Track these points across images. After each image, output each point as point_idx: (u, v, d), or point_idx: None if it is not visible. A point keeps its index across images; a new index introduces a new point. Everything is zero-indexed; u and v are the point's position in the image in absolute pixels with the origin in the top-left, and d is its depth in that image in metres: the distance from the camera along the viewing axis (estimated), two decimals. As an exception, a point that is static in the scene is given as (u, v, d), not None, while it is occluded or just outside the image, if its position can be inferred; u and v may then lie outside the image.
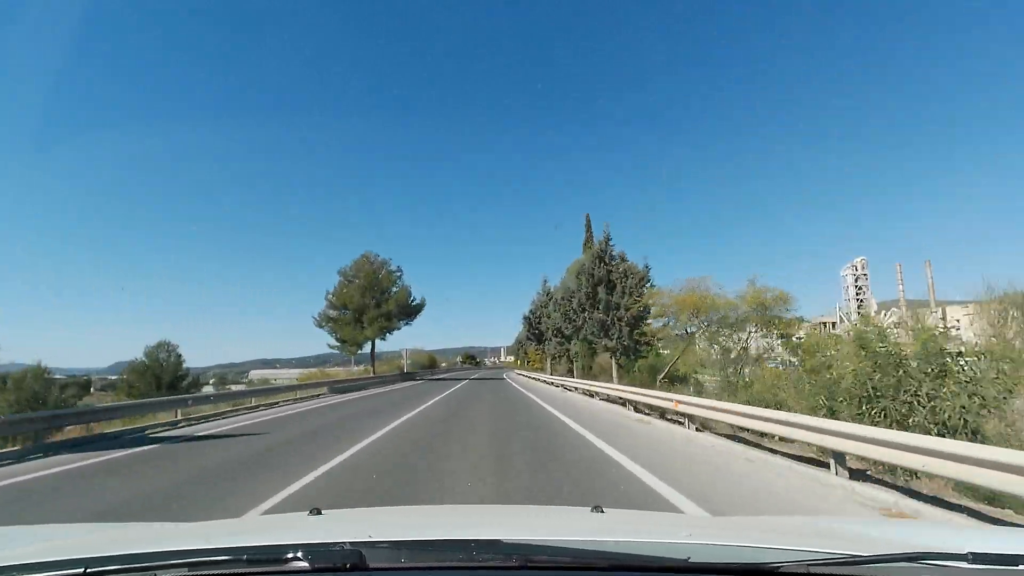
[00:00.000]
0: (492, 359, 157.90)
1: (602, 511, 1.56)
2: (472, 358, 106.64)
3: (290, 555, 1.01)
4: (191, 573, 1.02)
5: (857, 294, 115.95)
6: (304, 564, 0.99)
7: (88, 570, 1.00)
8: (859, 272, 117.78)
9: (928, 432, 5.68)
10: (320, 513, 1.54)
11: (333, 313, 34.69)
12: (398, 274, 35.07)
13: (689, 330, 18.71)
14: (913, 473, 4.90)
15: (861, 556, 1.01)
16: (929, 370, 6.33)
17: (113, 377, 38.30)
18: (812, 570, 0.98)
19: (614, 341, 18.35)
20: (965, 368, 6.16)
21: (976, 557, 1.01)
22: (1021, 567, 1.02)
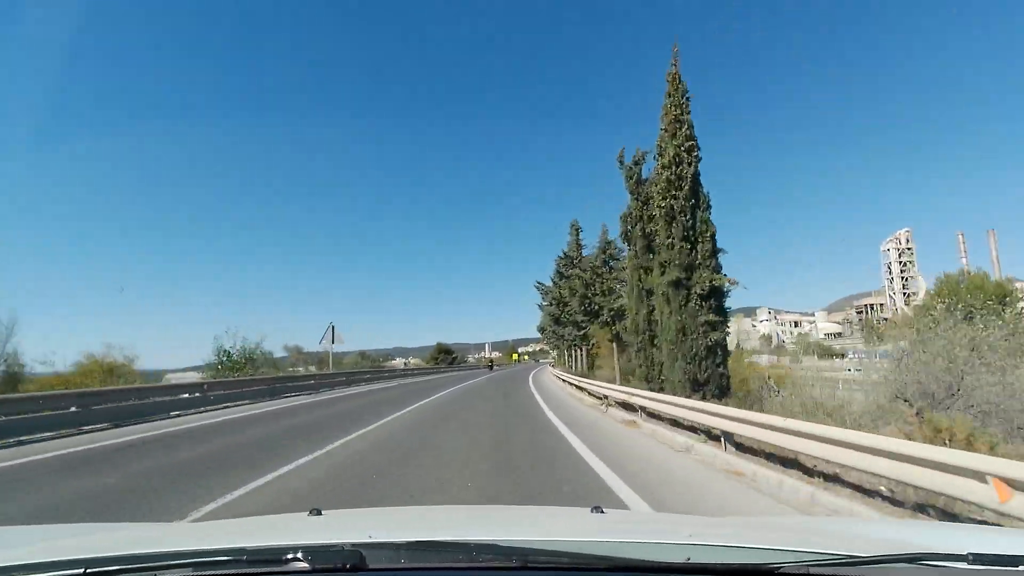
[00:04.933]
0: (477, 355, 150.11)
1: (602, 511, 1.71)
2: (447, 352, 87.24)
3: (290, 556, 1.12)
4: (191, 573, 1.12)
5: (902, 272, 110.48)
6: (304, 565, 1.10)
7: (88, 570, 1.11)
8: (903, 246, 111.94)
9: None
10: (320, 513, 1.70)
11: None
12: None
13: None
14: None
15: (861, 556, 1.12)
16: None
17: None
18: (812, 570, 1.07)
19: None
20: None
21: (976, 558, 1.10)
22: (1021, 568, 1.12)
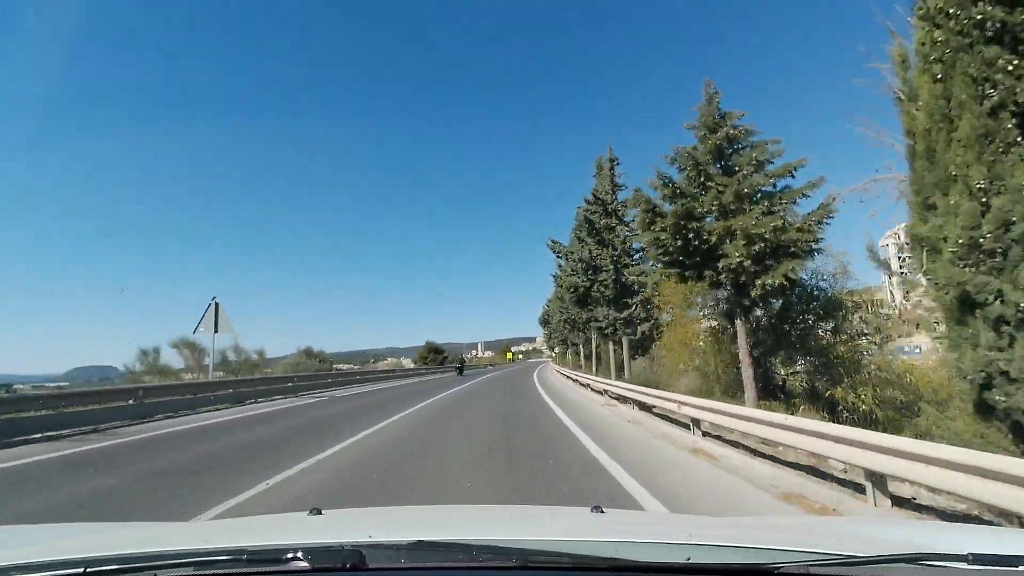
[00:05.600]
0: (470, 354, 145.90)
1: (602, 511, 1.72)
2: (437, 352, 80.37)
3: (290, 555, 1.13)
4: (191, 573, 1.15)
5: (901, 267, 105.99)
6: (304, 564, 1.11)
7: (88, 570, 1.11)
8: (903, 240, 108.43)
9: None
10: (320, 513, 1.70)
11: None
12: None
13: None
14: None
15: (861, 556, 1.14)
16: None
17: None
18: (812, 570, 1.08)
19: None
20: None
21: (976, 558, 1.10)
22: (1021, 568, 1.13)
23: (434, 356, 74.04)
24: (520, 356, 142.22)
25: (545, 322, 46.45)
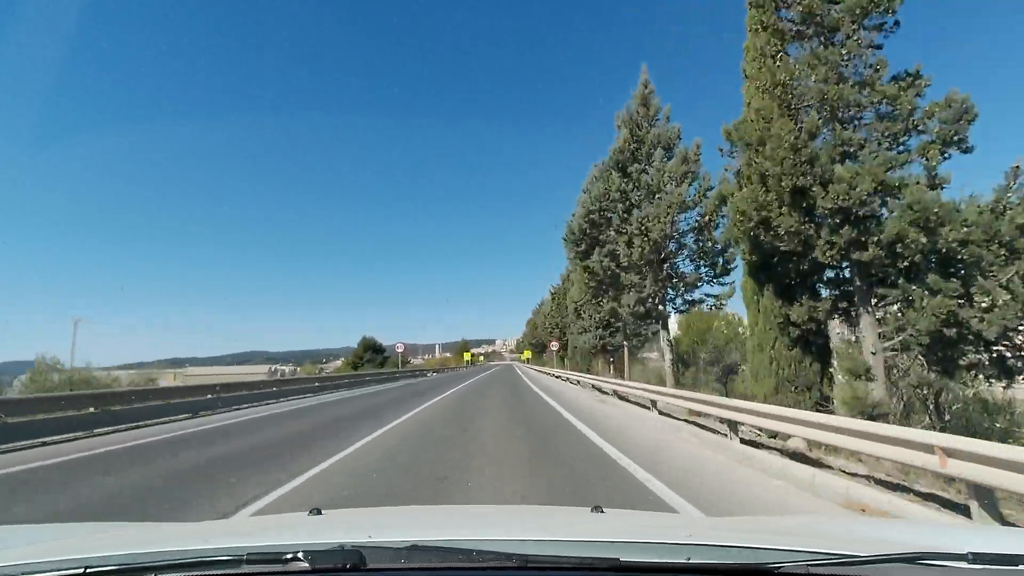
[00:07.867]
0: (424, 356, 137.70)
1: (602, 511, 1.74)
2: (376, 351, 62.40)
3: (290, 556, 1.16)
4: (191, 574, 1.18)
5: None
6: (304, 564, 1.14)
7: (88, 570, 1.13)
8: None
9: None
10: (320, 513, 1.71)
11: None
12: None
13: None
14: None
15: (861, 556, 1.16)
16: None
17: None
18: (812, 570, 1.11)
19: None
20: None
21: (976, 557, 1.13)
22: (1021, 567, 1.15)
23: (372, 356, 59.72)
24: (481, 358, 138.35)
25: (582, 247, 19.63)
